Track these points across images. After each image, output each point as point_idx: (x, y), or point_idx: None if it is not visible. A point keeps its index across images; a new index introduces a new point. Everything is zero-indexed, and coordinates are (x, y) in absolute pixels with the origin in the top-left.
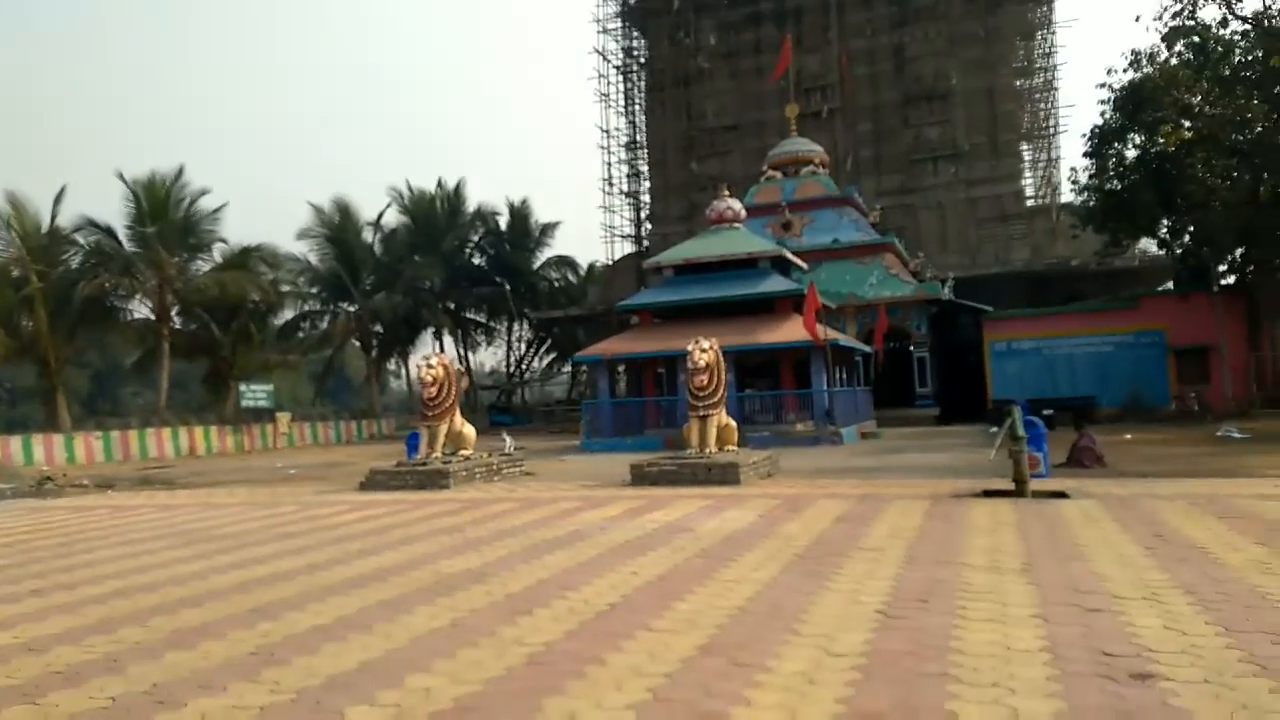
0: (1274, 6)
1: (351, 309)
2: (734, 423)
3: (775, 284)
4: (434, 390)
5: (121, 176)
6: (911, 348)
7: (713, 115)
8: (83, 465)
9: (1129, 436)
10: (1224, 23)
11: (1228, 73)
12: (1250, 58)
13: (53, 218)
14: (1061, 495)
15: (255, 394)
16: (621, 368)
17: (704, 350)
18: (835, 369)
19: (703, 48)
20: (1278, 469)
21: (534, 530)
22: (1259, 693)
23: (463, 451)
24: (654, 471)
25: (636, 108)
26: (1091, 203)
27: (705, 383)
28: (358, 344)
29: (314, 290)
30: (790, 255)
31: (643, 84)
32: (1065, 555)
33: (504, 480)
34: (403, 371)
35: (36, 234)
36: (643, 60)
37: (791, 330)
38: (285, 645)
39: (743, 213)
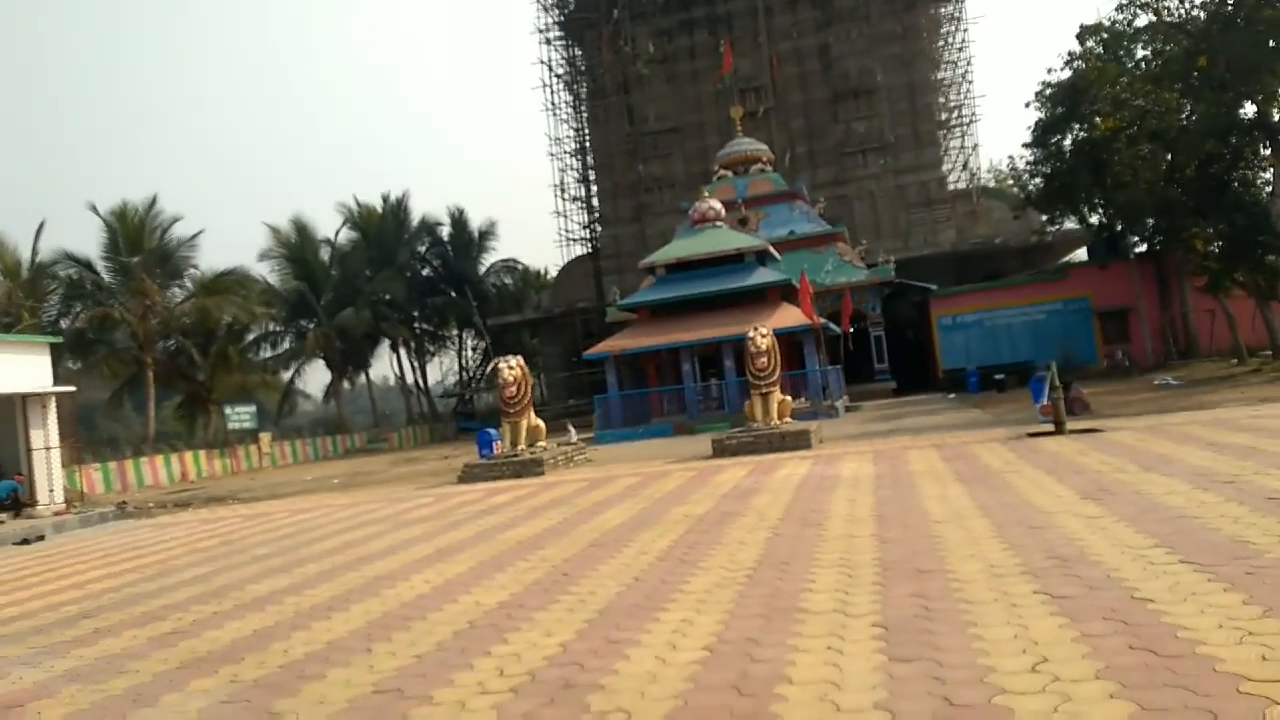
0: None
1: (313, 326)
2: (788, 398)
3: (764, 275)
4: (513, 389)
5: (94, 208)
6: (868, 327)
7: (654, 119)
8: (88, 496)
9: (1085, 391)
10: (1129, 22)
11: (1143, 66)
12: (1151, 50)
13: (34, 254)
14: (1096, 430)
15: (240, 416)
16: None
17: (764, 335)
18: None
19: (640, 54)
20: (1233, 401)
21: (701, 489)
22: None
23: (539, 443)
24: (733, 444)
25: (582, 114)
26: (1030, 187)
27: (766, 364)
28: (321, 360)
29: (273, 310)
30: (771, 249)
31: (584, 92)
32: (1162, 459)
33: (578, 466)
34: (361, 383)
35: (18, 270)
36: (583, 69)
37: (784, 317)
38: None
39: (723, 211)
